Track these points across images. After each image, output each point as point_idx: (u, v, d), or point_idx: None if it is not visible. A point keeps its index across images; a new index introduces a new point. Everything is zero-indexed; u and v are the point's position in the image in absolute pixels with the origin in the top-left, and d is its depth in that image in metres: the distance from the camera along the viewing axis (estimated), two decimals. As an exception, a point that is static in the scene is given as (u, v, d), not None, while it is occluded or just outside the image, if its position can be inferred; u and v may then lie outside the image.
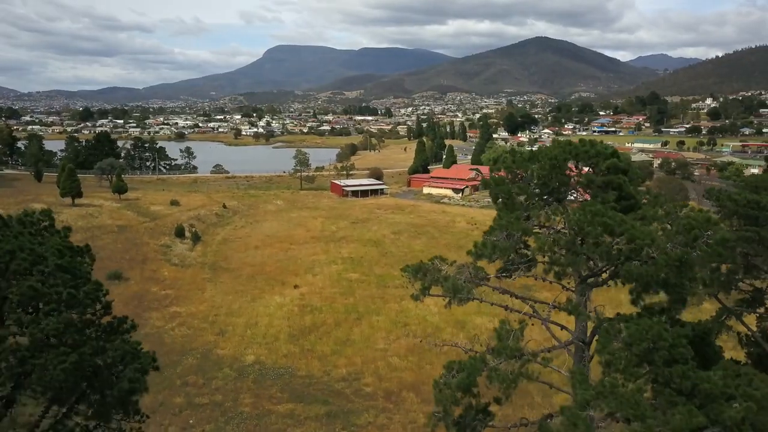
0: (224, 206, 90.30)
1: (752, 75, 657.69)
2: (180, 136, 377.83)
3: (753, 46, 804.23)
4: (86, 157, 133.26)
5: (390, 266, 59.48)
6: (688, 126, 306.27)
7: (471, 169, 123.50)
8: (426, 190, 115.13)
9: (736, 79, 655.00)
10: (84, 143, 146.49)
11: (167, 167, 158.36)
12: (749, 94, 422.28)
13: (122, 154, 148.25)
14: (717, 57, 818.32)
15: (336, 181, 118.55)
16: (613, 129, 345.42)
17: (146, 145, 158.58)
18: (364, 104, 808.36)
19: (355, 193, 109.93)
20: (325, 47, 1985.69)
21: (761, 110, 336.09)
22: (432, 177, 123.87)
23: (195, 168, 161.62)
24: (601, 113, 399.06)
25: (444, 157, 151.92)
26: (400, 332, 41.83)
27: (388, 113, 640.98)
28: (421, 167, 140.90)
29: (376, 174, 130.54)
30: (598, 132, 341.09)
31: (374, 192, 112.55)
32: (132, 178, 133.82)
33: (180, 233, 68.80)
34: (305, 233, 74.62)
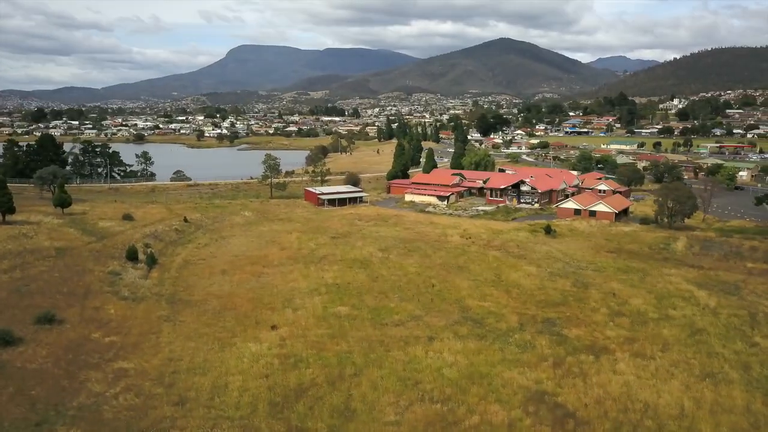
0: (185, 220, 79.77)
1: (709, 77, 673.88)
2: (139, 138, 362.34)
3: (709, 49, 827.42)
4: (27, 164, 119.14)
5: (384, 295, 50.39)
6: (659, 127, 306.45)
7: (454, 174, 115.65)
8: (408, 198, 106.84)
9: (693, 80, 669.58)
10: (25, 148, 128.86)
11: (122, 174, 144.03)
12: (709, 95, 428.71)
13: (69, 160, 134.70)
14: (675, 59, 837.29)
15: (310, 189, 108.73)
16: (585, 130, 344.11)
17: (97, 149, 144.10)
18: (330, 105, 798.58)
19: (332, 202, 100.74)
20: (289, 47, 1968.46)
21: (727, 111, 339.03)
22: (414, 183, 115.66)
23: (153, 175, 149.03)
24: (571, 114, 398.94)
25: (423, 160, 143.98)
26: (412, 395, 32.71)
27: (356, 114, 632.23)
28: (400, 172, 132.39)
29: (353, 179, 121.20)
30: (570, 133, 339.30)
31: (352, 200, 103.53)
32: (80, 187, 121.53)
33: (132, 256, 58.30)
34: (279, 252, 64.82)
